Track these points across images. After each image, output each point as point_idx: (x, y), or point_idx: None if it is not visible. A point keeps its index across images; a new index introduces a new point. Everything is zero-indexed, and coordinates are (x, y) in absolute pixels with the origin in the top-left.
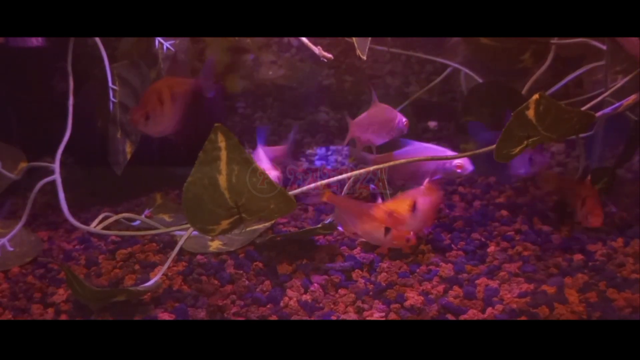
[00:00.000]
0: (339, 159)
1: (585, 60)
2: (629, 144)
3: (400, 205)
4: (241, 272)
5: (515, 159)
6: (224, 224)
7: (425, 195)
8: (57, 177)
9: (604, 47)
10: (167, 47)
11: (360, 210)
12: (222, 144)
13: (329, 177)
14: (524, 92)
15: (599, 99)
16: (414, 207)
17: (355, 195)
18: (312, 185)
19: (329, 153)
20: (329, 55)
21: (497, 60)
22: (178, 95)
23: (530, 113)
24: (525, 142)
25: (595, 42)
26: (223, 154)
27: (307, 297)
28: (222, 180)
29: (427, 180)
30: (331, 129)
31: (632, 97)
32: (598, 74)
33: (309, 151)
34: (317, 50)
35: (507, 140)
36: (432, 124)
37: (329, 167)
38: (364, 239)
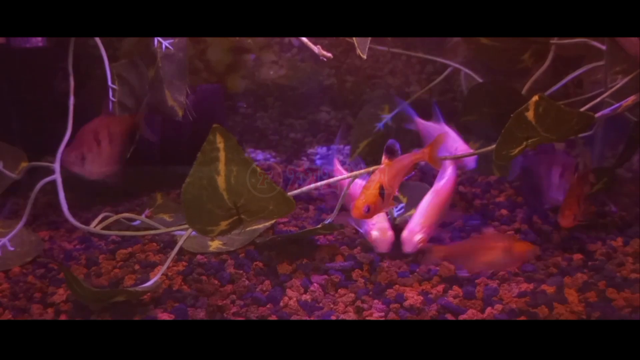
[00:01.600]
0: (340, 158)
1: (585, 60)
2: (628, 145)
3: (369, 197)
4: (241, 272)
5: (556, 184)
6: (223, 224)
7: (384, 173)
8: (57, 176)
9: (604, 47)
10: (165, 46)
11: (471, 247)
12: (220, 144)
13: (329, 177)
14: (523, 92)
15: (599, 99)
16: (381, 189)
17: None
18: (312, 185)
19: (330, 153)
20: (328, 54)
21: (498, 60)
22: (115, 134)
23: (530, 114)
24: (525, 143)
25: (595, 42)
26: (222, 155)
27: (307, 297)
28: (221, 181)
29: (383, 157)
30: (332, 129)
31: (631, 98)
32: (597, 74)
33: (310, 150)
34: (316, 49)
35: (506, 142)
36: None
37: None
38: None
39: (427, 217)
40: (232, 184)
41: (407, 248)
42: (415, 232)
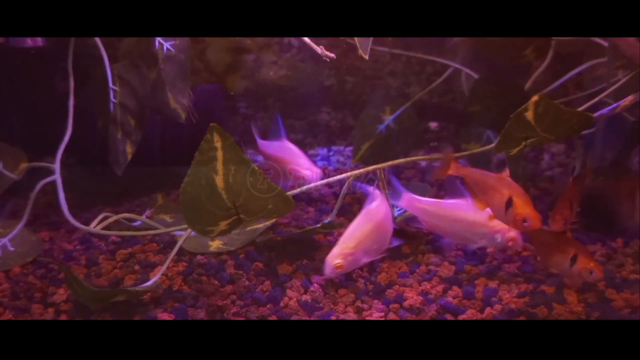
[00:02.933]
0: (341, 159)
1: (585, 57)
2: (626, 145)
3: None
4: (241, 272)
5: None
6: (223, 224)
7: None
8: (57, 177)
9: (606, 44)
10: (167, 48)
11: (553, 242)
12: (218, 144)
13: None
14: (526, 90)
15: (602, 96)
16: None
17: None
18: (312, 185)
19: (331, 154)
20: (332, 55)
21: (501, 55)
22: None
23: (529, 115)
24: (524, 143)
25: (596, 39)
26: (219, 154)
27: (307, 297)
28: (219, 180)
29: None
30: (333, 129)
31: (629, 98)
32: (598, 70)
33: (311, 152)
34: (319, 50)
35: (505, 141)
36: (432, 124)
37: (330, 168)
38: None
39: (352, 242)
40: (231, 183)
41: (326, 271)
42: (334, 257)
